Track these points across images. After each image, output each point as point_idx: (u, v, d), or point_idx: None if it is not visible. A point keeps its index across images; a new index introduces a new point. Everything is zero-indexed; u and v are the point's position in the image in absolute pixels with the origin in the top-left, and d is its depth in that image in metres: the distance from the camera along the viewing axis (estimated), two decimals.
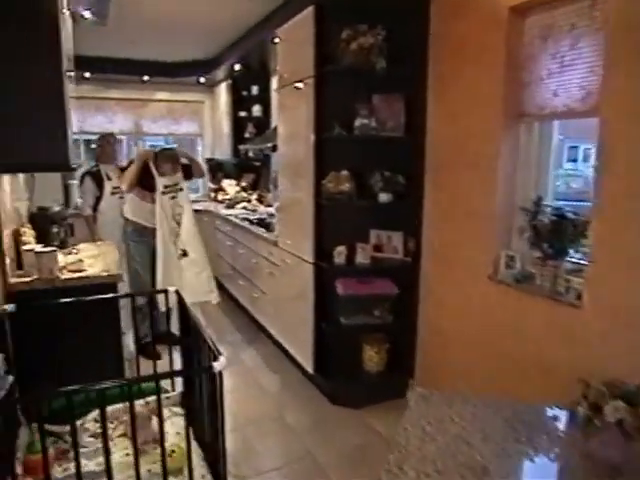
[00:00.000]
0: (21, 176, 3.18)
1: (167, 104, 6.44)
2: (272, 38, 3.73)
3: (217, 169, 6.75)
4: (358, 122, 2.93)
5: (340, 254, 3.08)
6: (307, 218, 3.18)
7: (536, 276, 2.37)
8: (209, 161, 6.85)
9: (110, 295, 2.60)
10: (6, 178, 2.67)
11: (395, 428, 3.09)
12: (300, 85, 3.16)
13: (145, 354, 2.85)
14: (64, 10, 2.48)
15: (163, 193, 3.80)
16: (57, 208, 3.42)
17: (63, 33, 2.38)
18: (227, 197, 6.12)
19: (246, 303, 4.78)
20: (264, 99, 5.59)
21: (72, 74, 3.01)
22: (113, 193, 4.21)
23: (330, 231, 3.16)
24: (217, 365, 1.68)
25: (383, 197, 3.01)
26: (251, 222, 4.64)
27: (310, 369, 3.39)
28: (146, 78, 5.76)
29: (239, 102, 5.73)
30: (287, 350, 3.79)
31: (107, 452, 1.61)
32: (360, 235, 3.15)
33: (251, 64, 5.33)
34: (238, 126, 5.77)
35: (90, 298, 2.48)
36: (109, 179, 4.24)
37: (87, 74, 5.52)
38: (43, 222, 3.30)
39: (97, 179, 4.21)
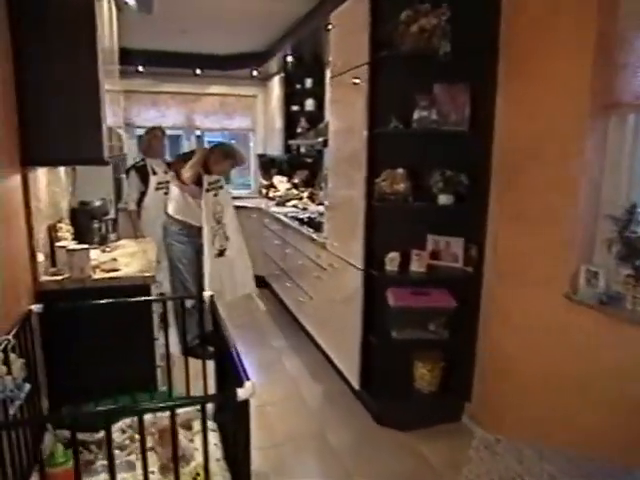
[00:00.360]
0: (62, 169, 3.07)
1: (220, 98, 6.31)
2: (326, 25, 3.47)
3: (269, 165, 6.58)
4: (417, 114, 2.62)
5: (393, 261, 2.78)
6: (357, 220, 2.90)
7: (626, 298, 1.99)
8: (261, 157, 6.70)
9: (140, 298, 2.43)
10: (42, 171, 2.55)
11: (446, 456, 2.80)
12: (353, 74, 2.88)
13: (193, 354, 2.70)
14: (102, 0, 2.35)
15: (207, 190, 3.63)
16: (98, 203, 3.31)
17: (99, 25, 2.26)
18: (278, 194, 5.93)
19: (292, 306, 4.56)
20: (317, 93, 5.34)
21: (114, 67, 2.88)
22: (158, 189, 4.10)
23: (382, 235, 2.86)
24: (242, 393, 1.44)
25: (443, 199, 2.68)
26: (300, 221, 4.41)
27: (356, 384, 3.11)
28: (199, 71, 5.64)
29: (292, 96, 5.51)
30: (332, 360, 3.53)
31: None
32: (415, 240, 2.84)
33: (304, 55, 5.09)
34: (290, 121, 5.56)
35: (117, 300, 2.32)
36: (154, 174, 4.13)
37: (140, 68, 5.48)
38: (83, 217, 3.20)
39: (142, 173, 4.11)
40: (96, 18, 2.23)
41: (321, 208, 5.11)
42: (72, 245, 2.48)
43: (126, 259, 2.86)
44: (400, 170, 2.68)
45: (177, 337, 3.63)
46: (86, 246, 2.50)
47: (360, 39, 2.76)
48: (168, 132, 5.97)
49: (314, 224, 4.13)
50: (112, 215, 5.05)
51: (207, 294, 2.43)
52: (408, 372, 2.96)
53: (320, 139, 4.31)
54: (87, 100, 2.26)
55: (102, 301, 2.31)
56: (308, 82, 5.38)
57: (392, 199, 2.68)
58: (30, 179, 2.36)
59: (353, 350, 3.07)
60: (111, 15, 2.76)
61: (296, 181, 6.16)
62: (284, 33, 4.59)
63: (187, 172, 3.58)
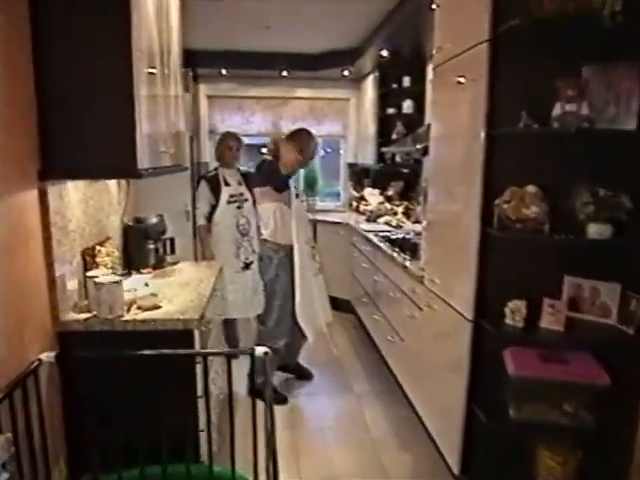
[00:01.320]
0: (112, 182, 2.65)
1: (309, 102, 5.80)
2: (430, 3, 2.77)
3: (362, 175, 5.96)
4: (559, 109, 1.85)
5: (515, 312, 2.01)
6: (468, 252, 2.16)
7: None
8: (352, 166, 6.09)
9: (173, 351, 1.89)
10: (73, 184, 2.11)
11: None
12: (466, 59, 2.16)
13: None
14: None
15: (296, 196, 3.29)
16: (154, 220, 2.86)
17: (135, 23, 1.82)
18: (369, 208, 5.27)
19: (379, 342, 3.87)
20: (416, 92, 4.63)
21: (167, 69, 2.41)
22: (230, 202, 3.61)
23: (502, 275, 2.10)
24: None
25: (594, 229, 1.87)
26: (392, 242, 3.72)
27: (455, 467, 2.36)
28: (285, 73, 5.16)
29: (387, 97, 4.83)
30: (425, 422, 2.80)
31: None
32: (548, 285, 2.05)
33: (401, 49, 4.39)
34: (385, 126, 4.88)
35: (144, 353, 1.79)
36: (227, 185, 3.66)
37: (223, 71, 5.10)
38: (136, 237, 2.76)
39: (213, 184, 3.64)
40: (132, 11, 1.78)
41: (418, 227, 4.39)
42: (101, 276, 2.01)
43: (174, 291, 2.36)
44: (531, 188, 1.91)
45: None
46: (117, 279, 2.01)
47: (477, 10, 2.04)
48: (254, 140, 5.59)
49: (409, 246, 3.42)
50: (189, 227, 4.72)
51: (260, 350, 1.84)
52: (529, 462, 2.16)
53: (419, 146, 3.60)
54: (118, 105, 1.84)
55: (128, 352, 1.80)
56: (406, 81, 4.69)
57: (519, 227, 1.92)
58: (53, 194, 1.92)
59: (453, 422, 2.33)
60: (163, 8, 2.28)
61: (390, 193, 5.47)
62: (379, 22, 3.94)
63: (288, 166, 3.24)
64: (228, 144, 3.72)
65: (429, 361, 2.68)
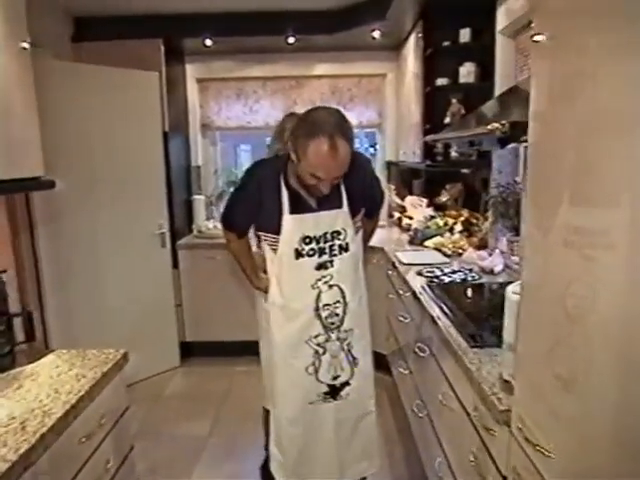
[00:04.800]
0: None
1: (330, 81, 4.31)
2: None
3: (408, 177, 4.44)
4: None
5: None
6: None
7: None
8: (392, 165, 4.58)
9: None
10: None
11: None
12: None
13: None
14: None
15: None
16: None
17: None
18: (413, 225, 3.75)
19: (422, 451, 2.35)
20: (480, 52, 3.06)
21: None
22: None
23: None
24: None
25: None
26: (444, 289, 2.21)
27: None
28: (292, 40, 3.71)
29: (436, 61, 3.26)
30: None
31: None
32: None
33: None
34: (433, 105, 3.33)
35: None
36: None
37: (208, 41, 3.72)
38: None
39: None
40: None
41: (486, 258, 2.83)
42: None
43: None
44: None
45: None
46: None
47: None
48: (264, 134, 4.22)
49: (472, 305, 1.90)
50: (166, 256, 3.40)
51: None
52: None
53: (500, 124, 1.94)
54: None
55: None
56: (464, 34, 3.12)
57: None
58: None
59: None
60: None
61: (444, 199, 3.91)
62: None
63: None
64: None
65: None
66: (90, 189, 3.22)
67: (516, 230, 2.86)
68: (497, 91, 2.93)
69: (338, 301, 1.95)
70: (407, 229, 3.85)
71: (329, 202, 1.92)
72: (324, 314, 1.94)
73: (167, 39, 3.66)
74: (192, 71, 4.23)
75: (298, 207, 1.90)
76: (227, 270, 3.66)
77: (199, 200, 4.25)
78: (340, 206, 1.93)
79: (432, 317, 2.02)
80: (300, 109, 4.13)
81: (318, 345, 1.96)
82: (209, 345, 3.94)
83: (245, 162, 5.21)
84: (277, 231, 1.91)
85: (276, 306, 1.98)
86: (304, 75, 4.26)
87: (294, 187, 1.90)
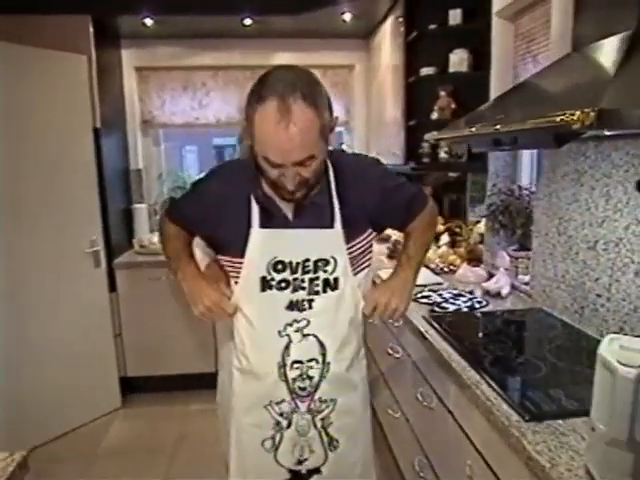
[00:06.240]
0: None
1: None
2: None
3: None
4: None
5: None
6: None
7: None
8: None
9: None
10: None
11: None
12: None
13: None
14: None
15: None
16: None
17: None
18: (390, 235, 3.30)
19: None
20: (475, 36, 2.65)
21: None
22: None
23: None
24: None
25: None
26: (451, 322, 1.78)
27: None
28: (248, 21, 3.18)
29: (419, 48, 2.82)
30: None
31: None
32: None
33: None
34: (415, 100, 2.90)
35: None
36: None
37: (148, 20, 3.13)
38: None
39: None
40: None
41: (482, 274, 2.43)
42: None
43: None
44: None
45: None
46: None
47: None
48: (211, 133, 3.67)
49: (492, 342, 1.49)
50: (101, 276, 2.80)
51: None
52: None
53: (568, 116, 1.29)
54: None
55: None
56: (454, 16, 2.69)
57: None
58: None
59: None
60: None
61: None
62: None
63: None
64: None
65: None
66: (0, 200, 2.57)
67: (520, 244, 2.47)
68: (493, 82, 2.52)
69: (314, 359, 1.39)
70: (385, 239, 3.40)
71: (313, 217, 1.38)
72: (291, 375, 1.38)
73: (97, 16, 3.04)
74: (130, 58, 3.61)
75: (269, 219, 1.37)
76: (175, 292, 3.09)
77: (140, 209, 3.64)
78: (330, 225, 1.41)
79: (452, 368, 1.55)
80: None
81: (281, 415, 1.41)
82: (155, 380, 3.35)
83: (192, 165, 4.63)
84: (240, 252, 1.37)
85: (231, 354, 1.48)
86: (261, 65, 3.65)
87: (268, 193, 1.37)
